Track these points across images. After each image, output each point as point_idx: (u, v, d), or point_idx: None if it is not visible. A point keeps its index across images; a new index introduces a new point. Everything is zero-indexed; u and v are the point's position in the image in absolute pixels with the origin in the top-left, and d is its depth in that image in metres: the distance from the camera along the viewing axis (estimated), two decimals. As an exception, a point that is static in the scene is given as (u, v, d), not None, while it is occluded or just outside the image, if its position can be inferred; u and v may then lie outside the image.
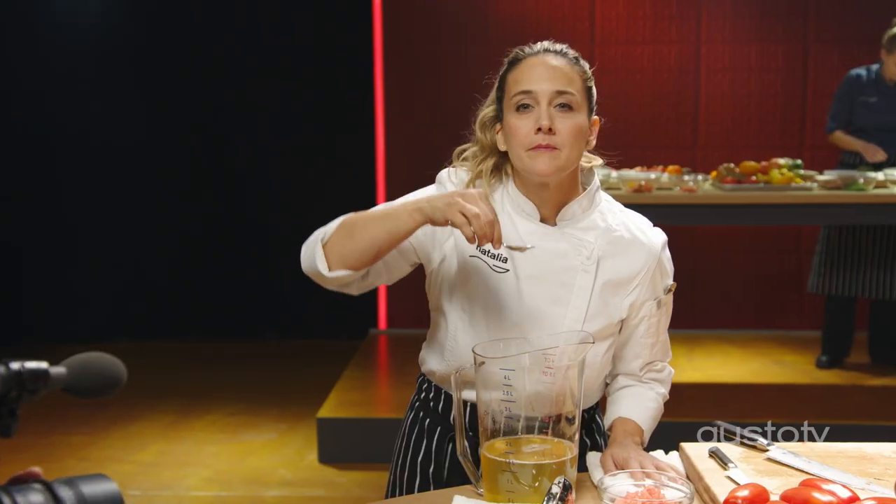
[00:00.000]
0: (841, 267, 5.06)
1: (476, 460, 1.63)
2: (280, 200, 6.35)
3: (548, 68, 1.75)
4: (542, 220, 1.80)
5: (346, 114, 6.27)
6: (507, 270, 1.77)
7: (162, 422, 4.95)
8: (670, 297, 1.86)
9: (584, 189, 1.83)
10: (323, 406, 4.56)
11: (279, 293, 6.44)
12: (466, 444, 1.65)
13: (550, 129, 1.71)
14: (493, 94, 1.86)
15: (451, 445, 1.86)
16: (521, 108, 1.74)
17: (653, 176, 4.67)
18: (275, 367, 5.97)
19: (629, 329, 1.86)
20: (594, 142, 1.83)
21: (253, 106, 6.29)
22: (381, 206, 1.76)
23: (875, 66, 4.96)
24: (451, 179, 1.85)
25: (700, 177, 4.79)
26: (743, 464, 1.69)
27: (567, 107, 1.73)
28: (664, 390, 1.92)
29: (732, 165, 4.68)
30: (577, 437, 1.58)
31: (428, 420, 1.92)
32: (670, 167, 4.86)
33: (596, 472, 1.68)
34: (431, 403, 1.92)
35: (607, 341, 1.84)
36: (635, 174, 4.73)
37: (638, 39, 6.09)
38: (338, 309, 6.31)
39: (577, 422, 1.57)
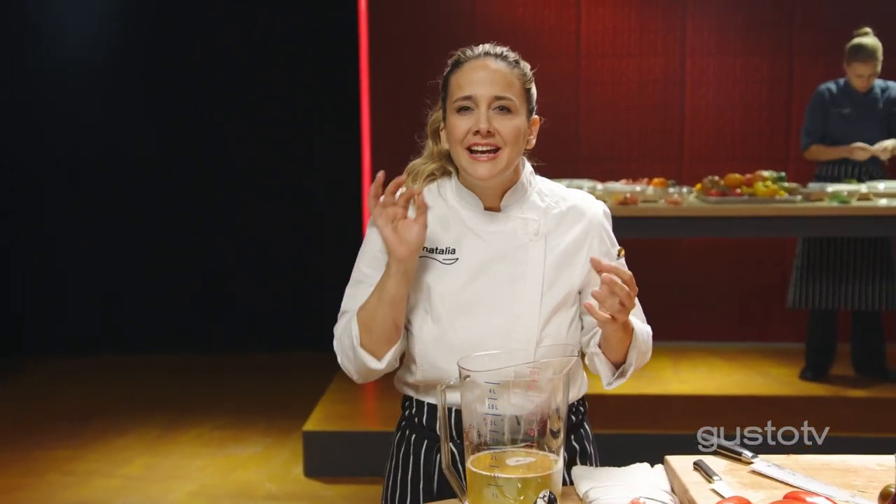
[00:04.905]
0: (822, 279, 5.07)
1: (463, 471, 1.63)
2: (268, 216, 6.34)
3: (488, 72, 1.81)
4: (487, 209, 1.87)
5: (334, 130, 6.26)
6: (458, 259, 1.84)
7: (148, 435, 4.92)
8: (623, 262, 1.83)
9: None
10: (309, 419, 4.55)
11: (265, 306, 6.42)
12: (452, 454, 1.66)
13: (489, 132, 1.78)
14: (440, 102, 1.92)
15: (438, 456, 1.87)
16: (462, 110, 1.81)
17: (638, 188, 4.69)
18: (261, 381, 5.94)
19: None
20: (534, 141, 1.90)
21: (243, 120, 6.28)
22: (355, 280, 1.90)
23: (843, 80, 5.04)
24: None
25: (685, 189, 4.82)
26: (728, 476, 1.69)
27: (506, 109, 1.80)
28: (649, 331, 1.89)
29: (717, 178, 4.70)
30: (562, 449, 1.58)
31: (414, 436, 1.93)
32: (655, 180, 4.88)
33: (581, 485, 1.69)
34: (416, 419, 1.93)
35: (570, 312, 1.86)
36: (621, 186, 4.75)
37: (623, 52, 6.12)
38: (324, 322, 6.26)
39: (562, 435, 1.58)
